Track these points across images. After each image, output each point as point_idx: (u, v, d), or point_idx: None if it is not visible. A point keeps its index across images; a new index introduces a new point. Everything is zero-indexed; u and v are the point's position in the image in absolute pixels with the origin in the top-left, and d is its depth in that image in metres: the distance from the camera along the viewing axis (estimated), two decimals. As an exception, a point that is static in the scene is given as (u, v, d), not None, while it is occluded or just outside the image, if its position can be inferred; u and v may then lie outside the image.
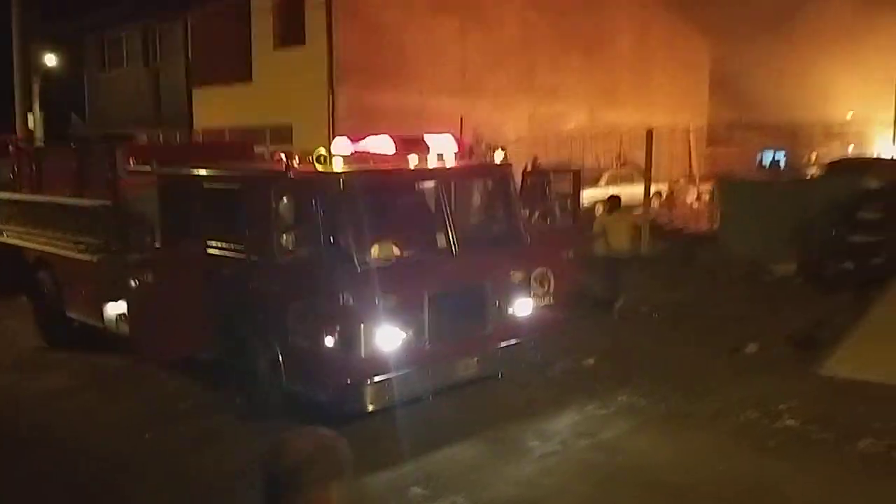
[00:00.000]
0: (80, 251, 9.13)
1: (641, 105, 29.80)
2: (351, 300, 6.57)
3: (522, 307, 7.73)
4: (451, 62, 22.18)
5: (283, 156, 7.06)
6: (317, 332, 6.71)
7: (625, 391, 8.10)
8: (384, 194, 7.10)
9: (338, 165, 6.66)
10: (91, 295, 9.10)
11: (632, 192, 20.39)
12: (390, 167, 7.09)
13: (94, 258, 8.84)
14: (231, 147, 10.35)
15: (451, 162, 7.52)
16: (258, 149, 12.30)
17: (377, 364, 6.64)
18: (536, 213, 8.22)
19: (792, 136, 38.64)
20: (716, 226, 17.65)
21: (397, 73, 20.33)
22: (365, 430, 6.79)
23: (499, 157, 7.88)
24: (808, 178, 18.56)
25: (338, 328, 6.60)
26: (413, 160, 7.15)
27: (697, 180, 26.56)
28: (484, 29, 23.22)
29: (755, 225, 13.59)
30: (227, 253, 7.59)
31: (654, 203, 25.11)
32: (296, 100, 20.53)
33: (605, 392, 8.09)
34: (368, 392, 6.61)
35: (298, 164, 6.84)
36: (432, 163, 7.39)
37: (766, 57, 35.36)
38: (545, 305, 8.06)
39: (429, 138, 7.50)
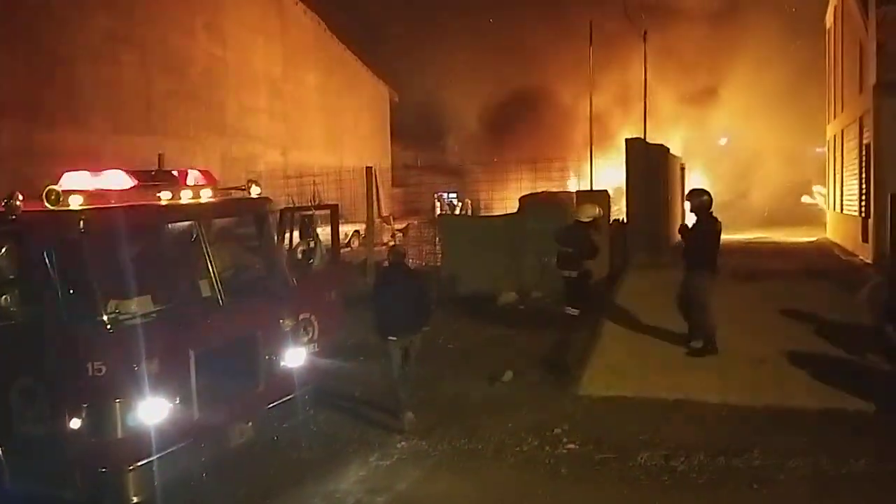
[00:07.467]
0: None
1: (331, 147, 30.09)
2: (102, 369, 5.30)
3: (293, 358, 6.94)
4: (135, 99, 20.29)
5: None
6: (56, 413, 5.33)
7: (401, 435, 7.64)
8: (136, 236, 5.88)
9: (75, 203, 5.38)
10: None
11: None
12: (141, 204, 5.90)
13: None
14: None
15: (206, 197, 6.50)
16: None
17: (139, 445, 5.44)
18: (298, 252, 7.47)
19: (459, 177, 41.75)
20: (425, 262, 18.06)
21: (73, 109, 18.02)
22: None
23: (255, 191, 7.04)
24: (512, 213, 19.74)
25: (86, 406, 5.30)
26: (166, 196, 6.04)
27: (392, 220, 27.29)
28: (168, 65, 21.63)
29: (474, 258, 14.08)
30: None
31: (354, 242, 25.37)
32: (-57, 138, 17.16)
33: (382, 439, 7.55)
34: (131, 480, 5.37)
35: (20, 203, 5.40)
36: (186, 199, 6.31)
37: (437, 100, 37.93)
38: (313, 352, 7.37)
39: (181, 173, 6.42)
